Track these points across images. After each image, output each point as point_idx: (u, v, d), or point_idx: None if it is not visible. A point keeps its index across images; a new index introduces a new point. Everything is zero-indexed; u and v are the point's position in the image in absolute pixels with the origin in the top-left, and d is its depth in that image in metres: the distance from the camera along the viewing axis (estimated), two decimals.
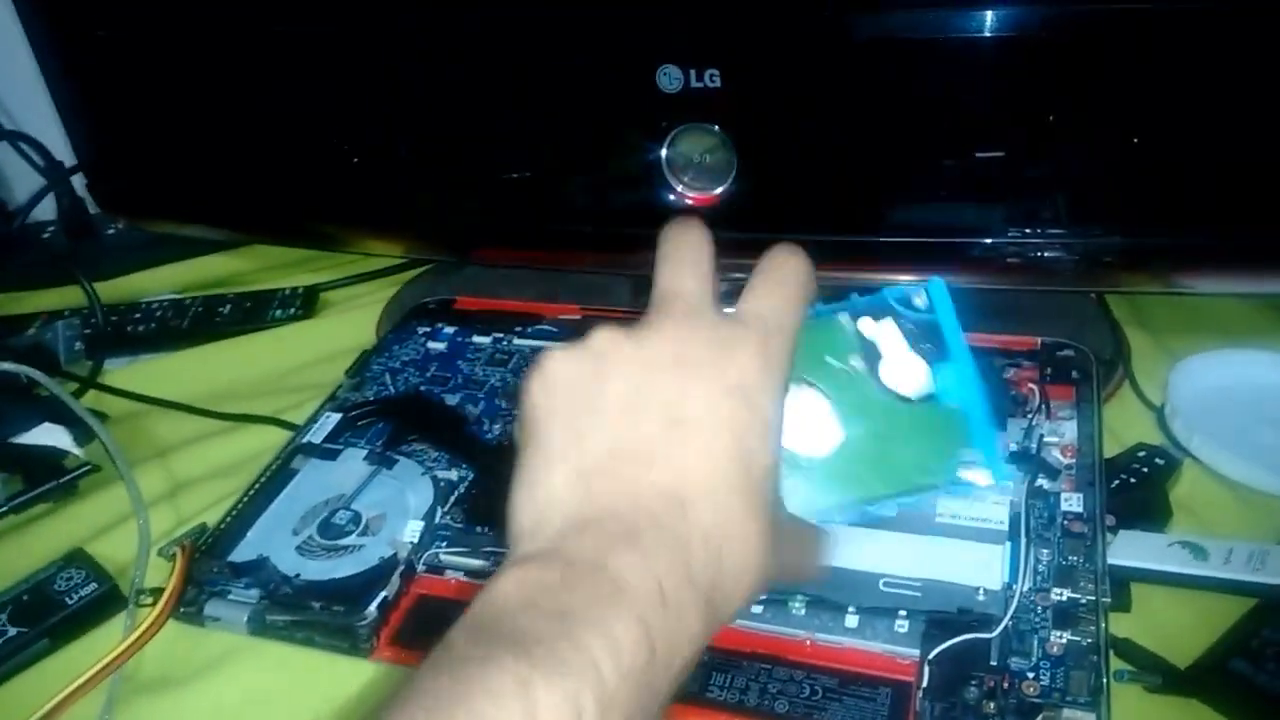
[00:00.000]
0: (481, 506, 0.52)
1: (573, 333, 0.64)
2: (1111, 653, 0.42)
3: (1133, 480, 0.51)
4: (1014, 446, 0.51)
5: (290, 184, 0.68)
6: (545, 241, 0.64)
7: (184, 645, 0.48)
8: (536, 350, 0.63)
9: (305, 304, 0.75)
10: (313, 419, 0.59)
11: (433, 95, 0.61)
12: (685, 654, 0.29)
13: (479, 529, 0.50)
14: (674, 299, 0.35)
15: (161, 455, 0.61)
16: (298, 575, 0.48)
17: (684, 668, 0.29)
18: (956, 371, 0.37)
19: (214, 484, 0.58)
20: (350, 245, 0.72)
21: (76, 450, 0.60)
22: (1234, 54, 0.47)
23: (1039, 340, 0.58)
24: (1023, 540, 0.46)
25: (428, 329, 0.67)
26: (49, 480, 0.58)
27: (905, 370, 0.37)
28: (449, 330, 0.66)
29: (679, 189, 0.58)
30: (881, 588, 0.45)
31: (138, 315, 0.75)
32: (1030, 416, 0.53)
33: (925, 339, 0.38)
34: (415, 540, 0.49)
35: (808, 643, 0.43)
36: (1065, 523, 0.47)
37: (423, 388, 0.61)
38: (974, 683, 0.40)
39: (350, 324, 0.73)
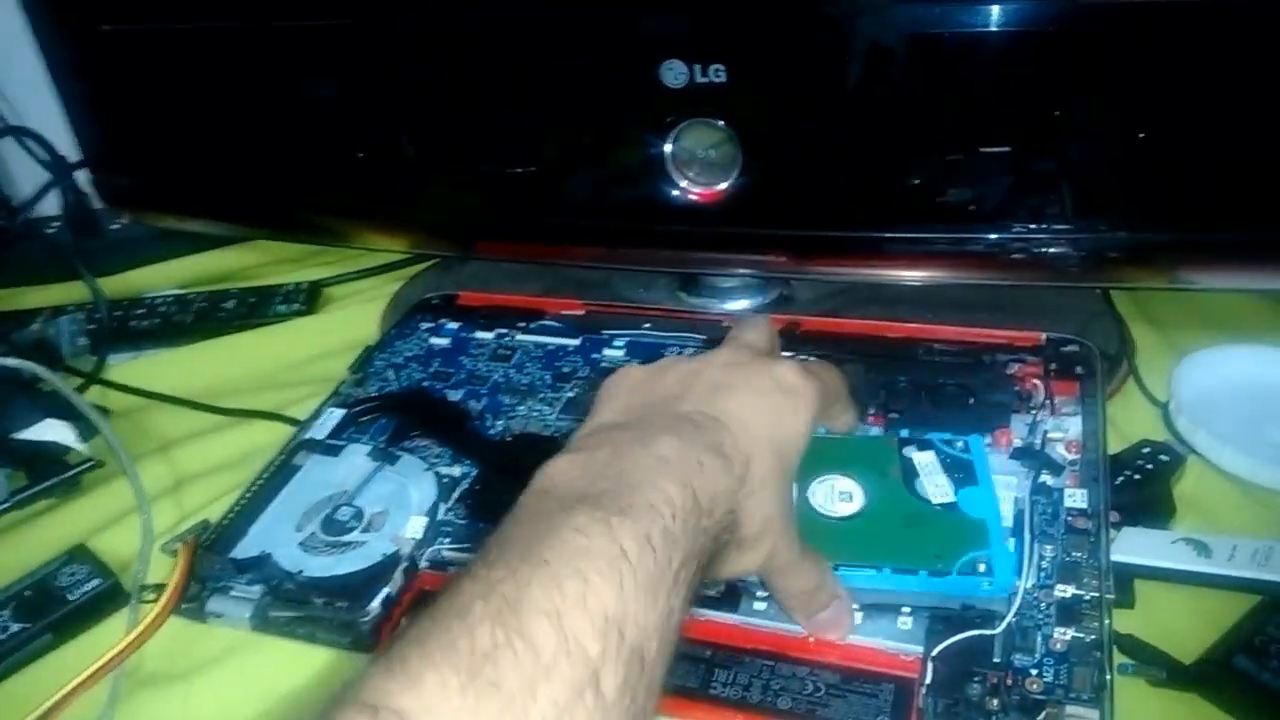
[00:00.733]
0: (484, 502, 0.51)
1: (576, 328, 0.64)
2: (1115, 649, 0.41)
3: (1137, 477, 0.51)
4: (1018, 442, 0.51)
5: (294, 179, 0.68)
6: (549, 237, 0.64)
7: (186, 641, 0.48)
8: (540, 345, 0.63)
9: (308, 299, 0.75)
10: (316, 414, 0.59)
11: (436, 90, 0.61)
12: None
13: (482, 525, 0.50)
14: (734, 339, 0.43)
15: (164, 451, 0.61)
16: (300, 571, 0.48)
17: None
18: (981, 494, 0.45)
19: (217, 479, 0.58)
20: (354, 240, 0.72)
21: (79, 446, 0.60)
22: (1241, 49, 0.47)
23: (1044, 335, 0.58)
24: (1027, 536, 0.46)
25: (431, 324, 0.67)
26: (52, 476, 0.58)
27: (936, 484, 0.46)
28: (452, 325, 0.66)
29: (683, 184, 0.58)
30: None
31: (141, 310, 0.75)
32: (1034, 412, 0.52)
33: (958, 470, 0.47)
34: (418, 536, 0.49)
35: (811, 639, 0.43)
36: (1069, 519, 0.46)
37: (426, 383, 0.61)
38: (977, 679, 0.40)
39: (353, 319, 0.73)
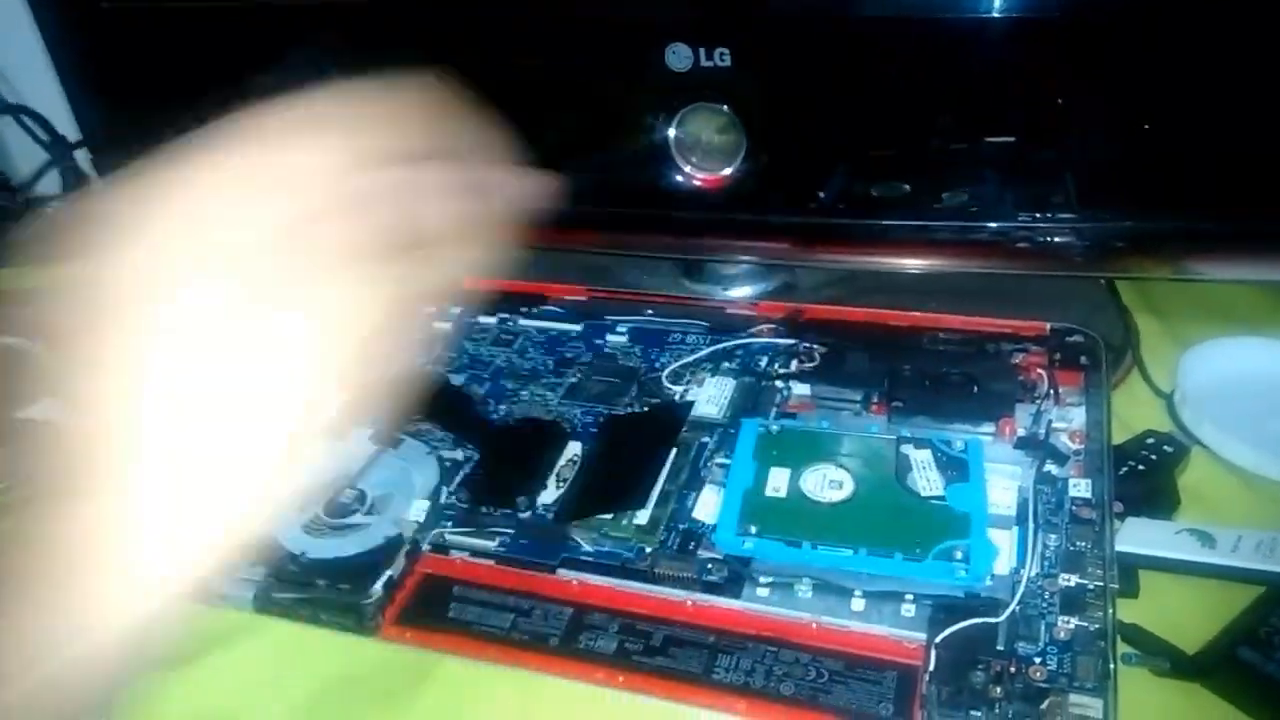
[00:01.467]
0: (487, 486, 0.51)
1: (579, 314, 0.64)
2: (1119, 639, 0.41)
3: (1141, 467, 0.51)
4: (1022, 432, 0.51)
5: None
6: (551, 221, 0.64)
7: (189, 622, 0.47)
8: (542, 330, 0.63)
9: None
10: None
11: (437, 74, 0.60)
12: None
13: (484, 509, 0.50)
14: None
15: None
16: (304, 554, 0.48)
17: None
18: (971, 490, 0.46)
19: None
20: None
21: None
22: (1246, 37, 0.47)
23: (1048, 325, 0.58)
24: (1030, 525, 0.46)
25: (433, 309, 0.66)
26: None
27: (927, 479, 0.47)
28: (454, 310, 0.66)
29: (687, 169, 0.58)
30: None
31: None
32: (1039, 402, 0.52)
33: (952, 467, 0.47)
34: (421, 520, 0.49)
35: (814, 625, 0.43)
36: (1073, 508, 0.46)
37: (428, 367, 0.61)
38: (980, 667, 0.40)
39: None
